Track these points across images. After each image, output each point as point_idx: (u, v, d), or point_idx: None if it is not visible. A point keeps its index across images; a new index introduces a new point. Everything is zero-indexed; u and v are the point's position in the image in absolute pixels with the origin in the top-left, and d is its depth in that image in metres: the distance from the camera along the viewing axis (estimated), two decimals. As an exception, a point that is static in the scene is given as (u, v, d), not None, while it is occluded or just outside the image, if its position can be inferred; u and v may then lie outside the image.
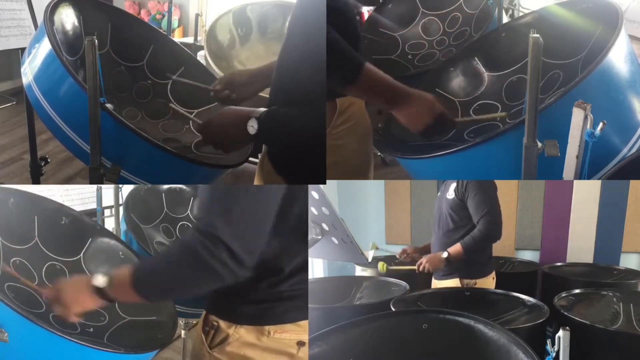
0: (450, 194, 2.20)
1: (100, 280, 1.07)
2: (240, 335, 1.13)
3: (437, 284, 2.29)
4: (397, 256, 2.42)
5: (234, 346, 1.13)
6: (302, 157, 1.28)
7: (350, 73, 1.28)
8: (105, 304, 1.11)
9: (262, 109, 1.24)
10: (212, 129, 1.33)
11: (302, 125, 1.19)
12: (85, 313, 1.13)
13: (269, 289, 1.14)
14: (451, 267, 2.20)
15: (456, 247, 2.16)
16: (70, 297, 1.12)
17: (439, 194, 2.37)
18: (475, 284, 2.20)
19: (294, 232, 1.13)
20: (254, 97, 1.65)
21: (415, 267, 2.24)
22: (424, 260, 2.22)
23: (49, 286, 1.20)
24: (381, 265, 2.34)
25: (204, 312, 1.20)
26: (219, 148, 1.34)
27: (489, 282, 2.24)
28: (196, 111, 1.98)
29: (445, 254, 2.17)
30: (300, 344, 1.16)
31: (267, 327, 1.14)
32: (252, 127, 1.22)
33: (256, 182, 1.49)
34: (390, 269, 2.33)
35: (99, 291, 1.08)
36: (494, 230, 2.15)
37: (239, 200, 0.99)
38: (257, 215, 1.02)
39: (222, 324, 1.15)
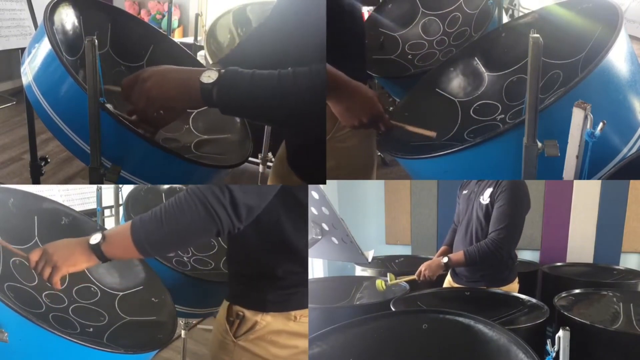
0: (485, 199, 2.06)
1: (97, 236, 1.07)
2: (268, 322, 1.16)
3: None
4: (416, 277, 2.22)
5: (261, 333, 1.16)
6: (317, 157, 1.29)
7: None
8: (98, 263, 1.09)
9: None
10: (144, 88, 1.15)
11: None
12: (74, 274, 1.11)
13: (294, 274, 1.17)
14: (476, 275, 2.11)
15: (458, 255, 2.08)
16: (62, 256, 1.09)
17: (464, 192, 2.24)
18: None
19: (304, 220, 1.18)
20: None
21: (415, 277, 2.15)
22: (422, 267, 2.13)
23: (36, 250, 1.14)
24: (379, 283, 2.17)
25: (226, 303, 1.22)
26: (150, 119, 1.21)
27: (514, 287, 2.15)
28: None
29: (445, 259, 2.09)
30: None
31: (293, 312, 1.17)
32: (209, 76, 1.05)
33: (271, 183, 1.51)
34: (390, 285, 2.17)
35: (95, 248, 1.08)
36: (502, 249, 2.00)
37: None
38: (261, 187, 1.07)
39: (248, 313, 1.17)
